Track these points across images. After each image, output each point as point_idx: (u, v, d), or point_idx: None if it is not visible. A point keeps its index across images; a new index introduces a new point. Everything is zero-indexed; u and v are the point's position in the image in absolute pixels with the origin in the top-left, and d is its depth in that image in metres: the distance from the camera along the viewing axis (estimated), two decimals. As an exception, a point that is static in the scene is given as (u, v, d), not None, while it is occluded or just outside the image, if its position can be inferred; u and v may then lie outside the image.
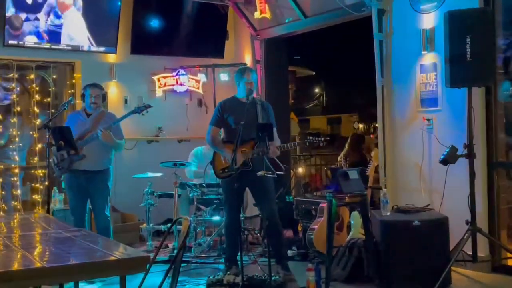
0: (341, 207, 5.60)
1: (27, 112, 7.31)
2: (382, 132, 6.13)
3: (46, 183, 5.89)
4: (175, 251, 5.45)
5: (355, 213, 5.45)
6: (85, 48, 7.26)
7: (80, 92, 6.04)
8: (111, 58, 7.60)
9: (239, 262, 4.86)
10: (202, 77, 8.13)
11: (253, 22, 7.94)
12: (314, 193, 6.86)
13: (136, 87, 7.86)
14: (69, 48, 7.13)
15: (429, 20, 5.61)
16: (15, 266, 2.51)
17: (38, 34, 6.86)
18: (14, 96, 7.12)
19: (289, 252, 5.90)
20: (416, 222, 4.79)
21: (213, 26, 8.14)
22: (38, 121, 7.22)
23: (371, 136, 12.04)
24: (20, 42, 6.78)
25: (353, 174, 4.91)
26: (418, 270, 4.71)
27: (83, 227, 5.15)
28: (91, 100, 5.56)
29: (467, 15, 4.86)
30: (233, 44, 8.47)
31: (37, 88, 7.27)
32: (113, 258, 2.62)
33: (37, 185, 7.27)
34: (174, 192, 6.36)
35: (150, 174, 6.65)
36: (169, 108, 8.06)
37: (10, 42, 6.71)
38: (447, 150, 4.95)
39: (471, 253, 4.94)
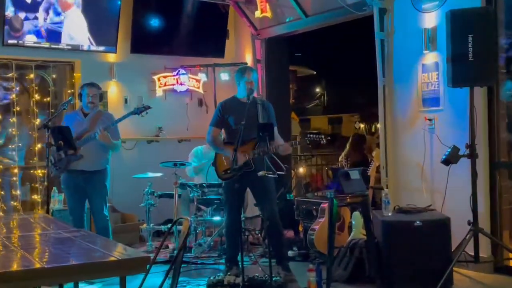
0: (342, 207, 5.58)
1: (27, 112, 7.30)
2: (383, 132, 6.11)
3: (46, 183, 5.88)
4: (175, 252, 5.43)
5: (357, 214, 5.43)
6: (85, 48, 7.24)
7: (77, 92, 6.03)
8: (111, 57, 7.58)
9: (239, 263, 4.84)
10: (202, 76, 8.11)
11: (253, 21, 7.93)
12: (315, 193, 6.84)
13: (136, 86, 7.84)
14: (69, 47, 7.12)
15: (430, 19, 5.59)
16: (15, 267, 2.50)
17: (37, 33, 6.84)
18: (14, 95, 7.10)
19: (290, 253, 5.89)
20: (417, 222, 4.77)
21: (213, 25, 8.12)
22: (37, 121, 7.20)
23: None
24: (20, 42, 6.76)
25: (355, 174, 4.89)
26: (419, 271, 4.70)
27: (82, 227, 5.13)
28: (88, 100, 5.54)
29: (469, 14, 4.84)
30: (233, 44, 8.45)
31: (37, 88, 7.25)
32: (113, 258, 2.60)
33: (37, 185, 7.25)
34: (174, 192, 6.34)
35: (150, 174, 6.63)
36: (169, 107, 8.04)
37: (10, 41, 6.69)
38: (449, 150, 4.93)
39: (473, 253, 4.91)
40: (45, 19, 6.85)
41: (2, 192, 7.02)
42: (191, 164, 6.83)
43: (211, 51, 8.15)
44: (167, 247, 6.41)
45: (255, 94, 5.41)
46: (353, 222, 5.49)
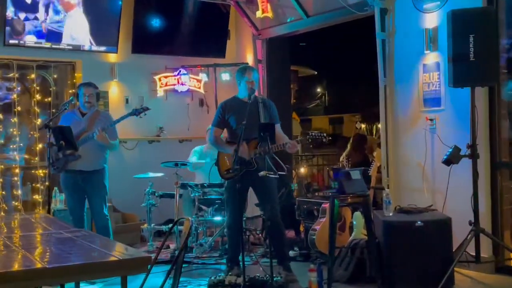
0: (344, 207, 5.58)
1: (28, 112, 7.30)
2: (384, 132, 6.11)
3: (47, 183, 5.88)
4: (177, 252, 5.43)
5: (358, 214, 5.43)
6: (86, 48, 7.24)
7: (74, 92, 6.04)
8: (112, 57, 7.58)
9: (241, 263, 4.84)
10: (203, 76, 8.11)
11: (254, 21, 7.92)
12: (316, 194, 6.83)
13: (137, 86, 7.85)
14: (70, 47, 7.12)
15: (432, 19, 5.58)
16: (16, 267, 2.50)
17: (37, 33, 6.84)
18: (15, 95, 7.11)
19: (291, 253, 5.88)
20: (418, 222, 4.76)
21: (214, 25, 8.12)
22: (38, 121, 7.20)
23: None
24: (21, 42, 6.76)
25: (356, 175, 4.89)
26: (420, 271, 4.69)
27: (82, 227, 5.13)
28: (85, 100, 5.55)
29: (470, 14, 4.83)
30: (234, 44, 8.45)
31: (38, 88, 7.25)
32: (114, 258, 2.60)
33: (38, 185, 7.26)
34: (175, 192, 6.33)
35: (151, 174, 6.63)
36: (170, 108, 8.04)
37: (11, 41, 6.70)
38: (450, 150, 4.92)
39: (474, 253, 4.91)
40: (45, 19, 6.85)
41: (3, 192, 7.02)
42: (191, 161, 6.83)
43: (212, 51, 8.15)
44: (168, 247, 6.41)
45: (256, 93, 5.40)
46: (354, 222, 5.48)
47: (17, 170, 7.12)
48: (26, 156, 7.33)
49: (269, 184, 5.06)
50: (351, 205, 5.46)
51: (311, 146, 12.14)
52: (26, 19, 6.74)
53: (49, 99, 7.36)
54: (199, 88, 8.17)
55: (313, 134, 5.14)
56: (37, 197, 7.24)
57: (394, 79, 6.02)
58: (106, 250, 2.85)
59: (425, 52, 5.65)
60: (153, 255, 4.19)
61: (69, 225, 3.93)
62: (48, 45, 6.95)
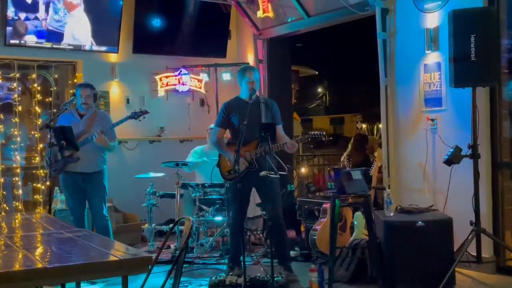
0: (344, 207, 5.58)
1: (29, 112, 7.30)
2: (385, 132, 6.10)
3: (48, 183, 5.88)
4: (177, 252, 5.42)
5: (359, 214, 5.42)
6: (87, 48, 7.24)
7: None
8: (113, 57, 7.58)
9: (242, 263, 4.83)
10: (204, 76, 8.11)
11: (255, 21, 7.92)
12: (317, 194, 6.83)
13: (138, 86, 7.85)
14: (71, 47, 7.12)
15: (433, 19, 5.58)
16: (17, 267, 2.49)
17: (38, 33, 6.85)
18: (16, 95, 7.11)
19: (292, 253, 5.87)
20: (420, 222, 4.76)
21: (215, 25, 8.12)
22: (39, 121, 7.20)
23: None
24: (22, 42, 6.77)
25: (357, 175, 4.88)
26: (422, 271, 4.68)
27: (83, 227, 5.13)
28: (82, 101, 5.54)
29: (472, 14, 4.83)
30: (235, 44, 8.45)
31: (39, 88, 7.25)
32: (115, 258, 2.60)
33: (39, 185, 7.26)
34: (176, 192, 6.33)
35: (152, 174, 6.63)
36: (171, 108, 8.04)
37: (12, 41, 6.70)
38: (451, 150, 4.92)
39: (475, 254, 4.91)
40: (45, 19, 6.85)
41: (4, 192, 7.02)
42: (189, 160, 6.82)
43: (213, 51, 8.14)
44: (169, 247, 6.40)
45: (258, 93, 5.40)
46: (355, 223, 5.48)
47: (18, 170, 7.12)
48: (27, 156, 7.34)
49: (271, 184, 5.06)
50: (352, 205, 5.46)
51: (311, 146, 12.16)
52: (27, 19, 6.75)
53: (50, 99, 7.37)
54: (200, 88, 8.17)
55: (312, 133, 5.15)
56: (38, 197, 7.24)
57: (395, 79, 6.01)
58: (107, 250, 2.85)
59: (426, 52, 5.65)
60: (154, 255, 4.20)
61: (70, 225, 3.93)
62: (48, 45, 6.95)
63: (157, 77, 7.90)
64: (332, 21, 6.97)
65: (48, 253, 2.87)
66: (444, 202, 5.34)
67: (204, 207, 6.29)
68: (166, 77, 7.97)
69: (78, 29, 7.12)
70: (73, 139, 5.25)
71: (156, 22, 7.74)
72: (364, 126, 17.19)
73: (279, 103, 5.51)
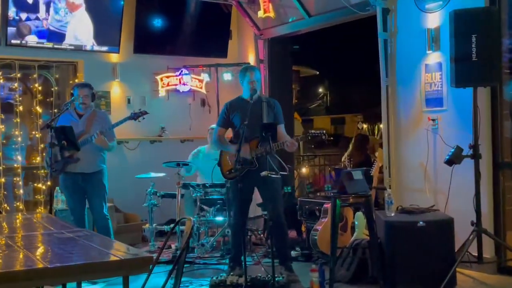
0: (345, 207, 5.57)
1: (30, 112, 7.30)
2: (386, 132, 6.10)
3: (49, 183, 5.88)
4: (178, 252, 5.42)
5: (360, 214, 5.42)
6: (88, 48, 7.25)
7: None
8: (114, 57, 7.58)
9: (242, 263, 4.83)
10: (205, 76, 8.11)
11: (256, 21, 7.92)
12: (318, 194, 6.82)
13: (139, 86, 7.85)
14: (72, 47, 7.12)
15: (434, 19, 5.57)
16: (18, 267, 2.49)
17: (39, 33, 6.85)
18: (17, 95, 7.11)
19: (293, 253, 5.87)
20: (421, 223, 4.76)
21: (216, 25, 8.12)
22: (40, 121, 7.20)
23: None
24: (23, 42, 6.77)
25: (358, 175, 4.88)
26: (422, 271, 4.68)
27: (83, 227, 5.13)
28: (79, 101, 5.54)
29: (473, 14, 4.83)
30: (236, 44, 8.45)
31: (40, 88, 7.25)
32: (115, 258, 2.60)
33: (39, 185, 7.26)
34: (177, 192, 6.33)
35: (153, 174, 6.63)
36: (172, 108, 8.04)
37: (13, 41, 6.70)
38: (452, 150, 4.92)
39: (476, 254, 4.90)
40: (46, 19, 6.86)
41: (5, 192, 7.02)
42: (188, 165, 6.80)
43: (214, 51, 8.15)
44: (169, 247, 6.40)
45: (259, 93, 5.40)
46: (356, 223, 5.48)
47: (18, 170, 7.12)
48: (28, 156, 7.34)
49: (272, 184, 5.06)
50: (353, 205, 5.46)
51: (312, 146, 12.14)
52: (28, 19, 6.75)
53: (51, 99, 7.37)
54: (201, 88, 8.17)
55: (312, 132, 5.15)
56: (38, 197, 7.24)
57: (396, 79, 6.01)
58: (108, 250, 2.85)
59: (427, 52, 5.64)
60: (154, 255, 4.20)
61: (70, 225, 3.93)
62: (50, 45, 6.96)
63: (158, 77, 7.91)
64: (333, 21, 6.97)
65: (49, 253, 2.87)
66: (445, 202, 5.34)
67: (205, 207, 6.28)
68: (167, 77, 7.97)
69: (80, 29, 7.12)
70: (74, 139, 5.25)
71: (157, 22, 7.74)
72: (365, 126, 17.19)
73: (280, 103, 5.51)
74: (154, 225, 6.53)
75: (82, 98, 5.53)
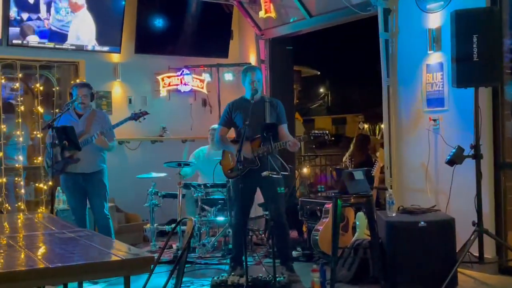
0: (347, 207, 5.56)
1: (31, 112, 7.31)
2: (387, 132, 6.09)
3: (50, 183, 5.89)
4: (179, 252, 5.43)
5: (361, 214, 5.42)
6: (89, 48, 7.25)
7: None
8: (115, 57, 7.58)
9: (244, 263, 4.83)
10: (206, 76, 8.11)
11: (258, 21, 7.92)
12: (319, 194, 6.82)
13: (140, 86, 7.85)
14: (73, 47, 7.13)
15: (435, 19, 5.57)
16: (19, 267, 2.50)
17: (41, 33, 6.85)
18: (18, 95, 7.12)
19: (294, 253, 5.88)
20: (422, 223, 4.76)
21: (217, 25, 8.12)
22: (41, 121, 7.20)
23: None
24: (24, 42, 6.77)
25: (359, 175, 4.88)
26: (424, 271, 4.68)
27: (84, 227, 5.14)
28: (78, 101, 5.54)
29: (474, 14, 4.83)
30: (237, 44, 8.45)
31: (41, 88, 7.26)
32: (117, 258, 2.60)
33: (41, 185, 7.26)
34: (178, 192, 6.33)
35: (154, 174, 6.63)
36: (173, 108, 8.05)
37: (14, 41, 6.71)
38: (454, 150, 4.91)
39: (477, 254, 4.90)
40: (47, 19, 6.86)
41: (7, 192, 7.03)
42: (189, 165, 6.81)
43: (215, 51, 8.15)
44: (171, 247, 6.40)
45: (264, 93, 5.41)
46: (357, 223, 5.48)
47: (20, 170, 7.13)
48: (29, 156, 7.34)
49: (273, 184, 5.06)
50: (354, 205, 5.45)
51: (313, 146, 12.13)
52: (29, 19, 6.75)
53: (52, 99, 7.37)
54: (202, 88, 8.17)
55: (315, 132, 5.16)
56: (40, 197, 7.25)
57: (397, 79, 6.00)
58: (109, 250, 2.85)
59: (429, 52, 5.64)
60: (156, 255, 4.20)
61: (72, 225, 3.93)
62: (51, 45, 6.96)
63: (159, 77, 7.91)
64: (334, 21, 6.97)
65: (50, 253, 2.87)
66: (446, 202, 5.33)
67: (206, 207, 6.29)
68: (168, 77, 7.97)
69: (83, 29, 7.13)
70: (75, 139, 5.25)
71: (158, 22, 7.74)
72: (366, 126, 17.18)
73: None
74: (155, 225, 6.54)
75: (81, 98, 5.53)
